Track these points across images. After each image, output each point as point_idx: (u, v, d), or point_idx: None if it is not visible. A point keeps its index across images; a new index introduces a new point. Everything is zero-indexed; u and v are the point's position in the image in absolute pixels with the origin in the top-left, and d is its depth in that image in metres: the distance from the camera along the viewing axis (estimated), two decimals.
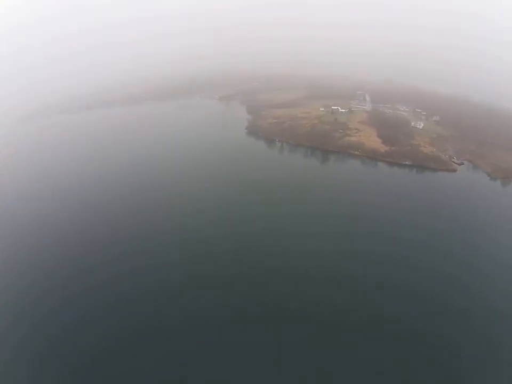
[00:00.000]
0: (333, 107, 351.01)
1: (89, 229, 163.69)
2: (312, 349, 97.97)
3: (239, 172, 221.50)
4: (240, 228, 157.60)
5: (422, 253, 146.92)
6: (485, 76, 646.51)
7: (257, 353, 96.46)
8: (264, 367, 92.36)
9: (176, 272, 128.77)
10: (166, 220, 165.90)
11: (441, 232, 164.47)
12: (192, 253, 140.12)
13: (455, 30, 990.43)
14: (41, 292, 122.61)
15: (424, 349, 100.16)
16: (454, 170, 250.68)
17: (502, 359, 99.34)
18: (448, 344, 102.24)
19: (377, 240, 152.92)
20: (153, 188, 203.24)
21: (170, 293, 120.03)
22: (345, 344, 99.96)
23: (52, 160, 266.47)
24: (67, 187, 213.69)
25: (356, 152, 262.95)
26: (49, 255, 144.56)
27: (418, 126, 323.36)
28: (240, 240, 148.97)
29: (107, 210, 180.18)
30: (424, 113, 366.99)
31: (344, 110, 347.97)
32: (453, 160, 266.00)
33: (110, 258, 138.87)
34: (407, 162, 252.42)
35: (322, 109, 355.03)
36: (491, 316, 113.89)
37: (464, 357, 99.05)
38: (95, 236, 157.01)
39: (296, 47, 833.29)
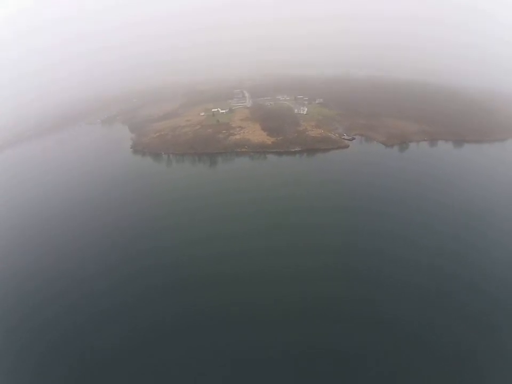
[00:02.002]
0: (213, 110, 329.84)
1: None
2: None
3: (129, 193, 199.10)
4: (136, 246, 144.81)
5: (332, 233, 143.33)
6: (367, 52, 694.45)
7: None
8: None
9: None
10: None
11: (353, 209, 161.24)
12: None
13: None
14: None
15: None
16: (347, 146, 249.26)
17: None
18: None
19: (289, 232, 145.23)
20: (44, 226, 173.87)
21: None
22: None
23: None
24: None
25: (243, 149, 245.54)
26: None
27: (302, 112, 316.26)
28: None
29: None
30: (307, 98, 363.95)
31: (224, 111, 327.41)
32: (343, 137, 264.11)
33: None
34: (296, 149, 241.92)
35: (203, 114, 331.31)
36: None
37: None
38: None
39: (171, 56, 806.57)
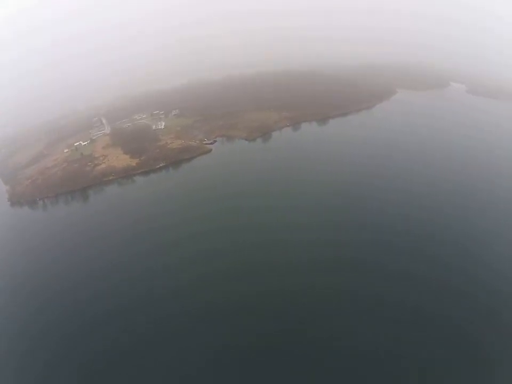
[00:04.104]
0: (75, 144, 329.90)
1: None
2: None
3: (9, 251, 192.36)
4: None
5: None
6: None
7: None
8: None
9: None
10: None
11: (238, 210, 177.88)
12: None
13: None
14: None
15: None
16: (209, 151, 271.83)
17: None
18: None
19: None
20: None
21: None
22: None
23: None
24: None
25: (111, 177, 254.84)
26: None
27: (160, 127, 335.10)
28: None
29: None
30: (162, 112, 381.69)
31: (86, 142, 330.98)
32: (204, 142, 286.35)
33: None
34: (161, 165, 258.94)
35: (67, 150, 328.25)
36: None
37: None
38: None
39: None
